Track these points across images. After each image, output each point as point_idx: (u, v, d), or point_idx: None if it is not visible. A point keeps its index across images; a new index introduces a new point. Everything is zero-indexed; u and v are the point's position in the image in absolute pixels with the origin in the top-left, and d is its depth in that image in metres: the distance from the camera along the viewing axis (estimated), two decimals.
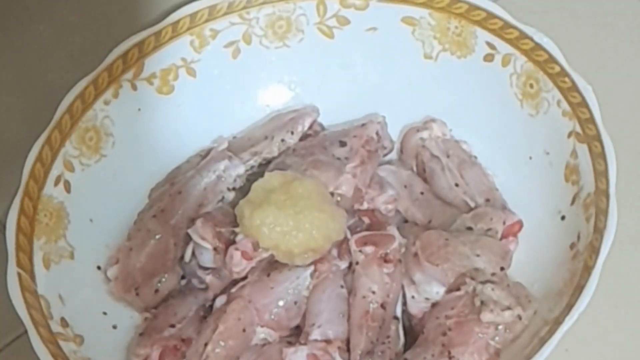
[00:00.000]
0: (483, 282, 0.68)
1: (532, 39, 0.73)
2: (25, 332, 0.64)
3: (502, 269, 0.70)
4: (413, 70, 0.78)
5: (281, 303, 0.69)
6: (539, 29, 0.73)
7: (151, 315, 0.72)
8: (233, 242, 0.71)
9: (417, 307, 0.70)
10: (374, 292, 0.69)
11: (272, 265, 0.70)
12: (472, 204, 0.74)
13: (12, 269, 0.66)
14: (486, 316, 0.66)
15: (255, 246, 0.70)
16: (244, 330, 0.69)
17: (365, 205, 0.75)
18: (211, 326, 0.69)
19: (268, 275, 0.70)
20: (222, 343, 0.68)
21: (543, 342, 0.61)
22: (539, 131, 0.73)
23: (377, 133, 0.77)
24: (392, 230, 0.71)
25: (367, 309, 0.68)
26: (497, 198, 0.75)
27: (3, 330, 0.74)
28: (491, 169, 0.76)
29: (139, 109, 0.77)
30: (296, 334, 0.70)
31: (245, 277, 0.71)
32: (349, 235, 0.71)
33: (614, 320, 0.70)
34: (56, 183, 0.72)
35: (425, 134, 0.78)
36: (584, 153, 0.69)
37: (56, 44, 0.91)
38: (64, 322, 0.67)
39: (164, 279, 0.72)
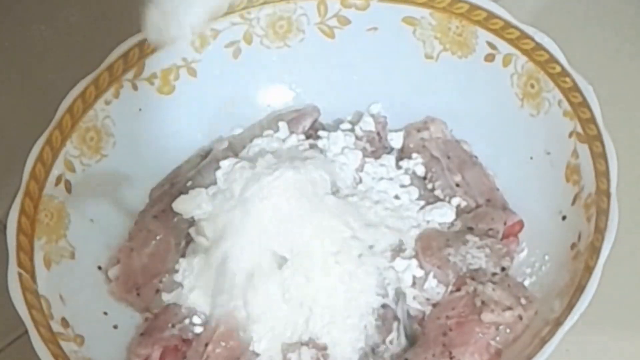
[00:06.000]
0: (484, 282, 0.68)
1: (532, 39, 0.73)
2: (26, 332, 0.64)
3: (502, 269, 0.70)
4: (414, 70, 0.78)
5: None
6: (539, 29, 0.73)
7: (152, 315, 0.72)
8: None
9: (417, 307, 0.70)
10: None
11: None
12: (473, 204, 0.74)
13: (13, 269, 0.66)
14: (487, 316, 0.66)
15: None
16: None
17: None
18: (212, 326, 0.69)
19: None
20: (222, 343, 0.68)
21: (544, 342, 0.61)
22: (540, 131, 0.73)
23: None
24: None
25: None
26: (498, 198, 0.74)
27: (4, 330, 0.74)
28: (492, 169, 0.76)
29: (140, 109, 0.77)
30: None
31: None
32: None
33: (615, 320, 0.70)
34: (57, 183, 0.72)
35: (425, 134, 0.78)
36: (585, 153, 0.68)
37: (56, 44, 0.91)
38: (64, 322, 0.67)
39: (165, 279, 0.72)
